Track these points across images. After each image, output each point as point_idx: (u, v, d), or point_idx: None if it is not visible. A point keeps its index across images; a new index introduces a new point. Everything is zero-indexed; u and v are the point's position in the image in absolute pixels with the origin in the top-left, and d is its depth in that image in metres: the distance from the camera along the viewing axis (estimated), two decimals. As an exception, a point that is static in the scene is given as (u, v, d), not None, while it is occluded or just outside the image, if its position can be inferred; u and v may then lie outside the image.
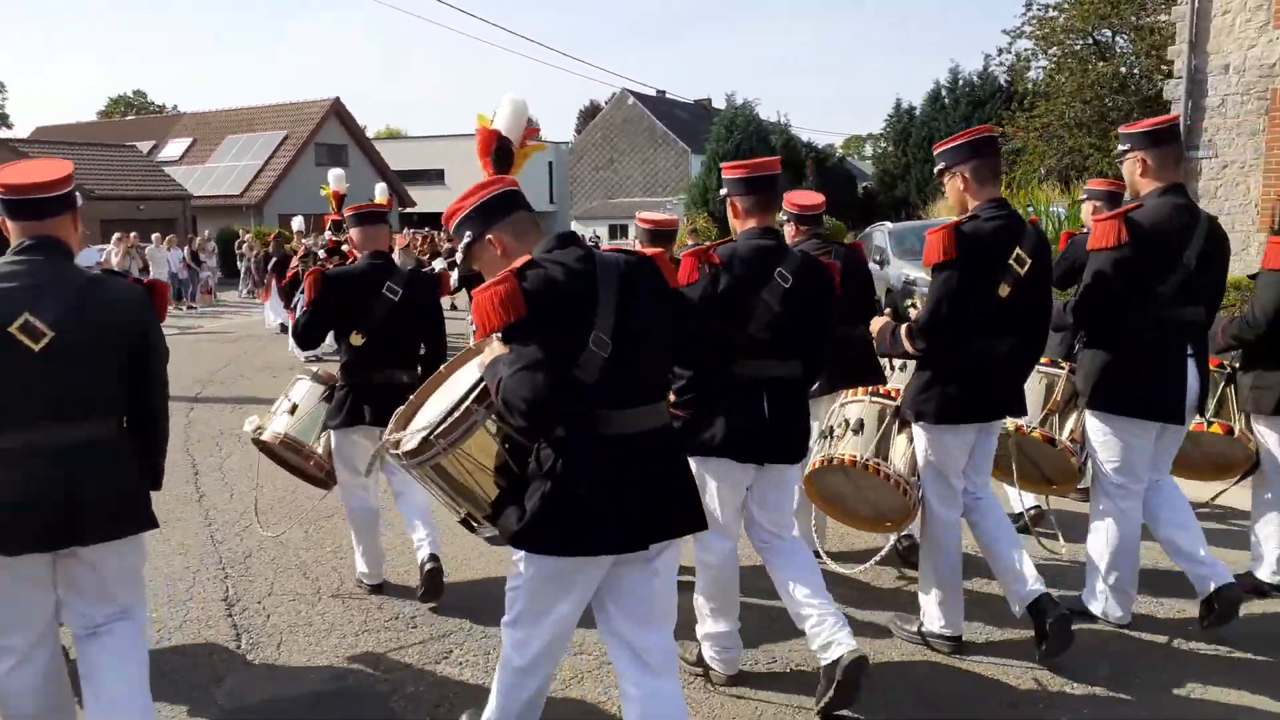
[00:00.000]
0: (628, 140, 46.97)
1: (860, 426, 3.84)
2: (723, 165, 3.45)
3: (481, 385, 2.52)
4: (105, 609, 2.64)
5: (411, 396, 3.01)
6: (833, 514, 4.17)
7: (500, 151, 5.01)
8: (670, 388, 2.64)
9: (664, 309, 2.55)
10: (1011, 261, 3.43)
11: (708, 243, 3.31)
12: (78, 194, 2.71)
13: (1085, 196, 5.64)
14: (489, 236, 2.53)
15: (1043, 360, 4.22)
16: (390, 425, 2.85)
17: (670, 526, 2.49)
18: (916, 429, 3.70)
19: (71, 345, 2.47)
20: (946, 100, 34.42)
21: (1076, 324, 3.90)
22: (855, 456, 3.74)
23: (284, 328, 14.36)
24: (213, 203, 31.53)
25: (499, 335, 2.39)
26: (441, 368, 3.06)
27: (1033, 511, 4.82)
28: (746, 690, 3.43)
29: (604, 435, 2.38)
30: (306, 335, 4.20)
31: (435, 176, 41.70)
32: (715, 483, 3.27)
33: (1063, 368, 4.21)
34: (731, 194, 3.34)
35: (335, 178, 9.78)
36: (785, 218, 4.62)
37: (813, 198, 4.70)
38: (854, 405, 3.94)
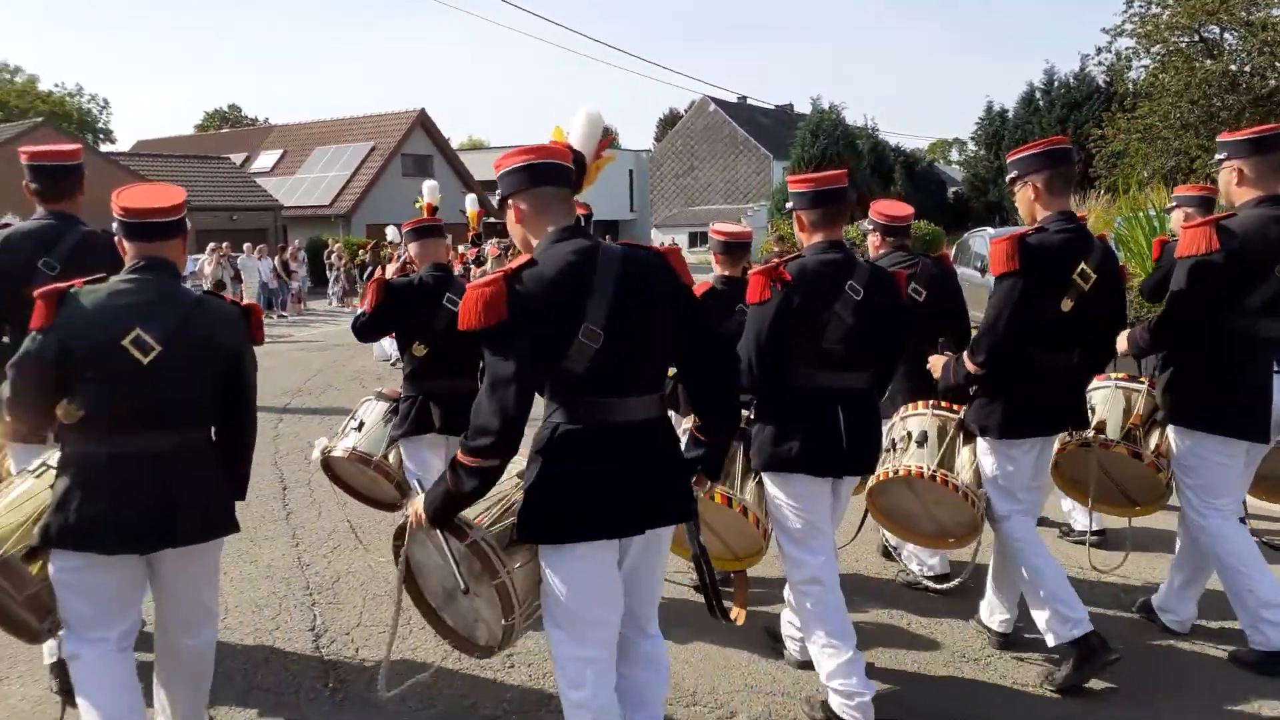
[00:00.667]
0: (708, 147, 47.01)
1: (924, 439, 3.79)
2: (788, 179, 3.46)
3: None
4: (189, 608, 2.90)
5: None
6: (895, 531, 4.10)
7: (575, 164, 5.13)
8: (664, 380, 2.63)
9: (669, 304, 2.58)
10: (1075, 276, 3.42)
11: (774, 259, 3.34)
12: (188, 220, 2.95)
13: (1175, 203, 5.44)
14: (510, 202, 2.60)
15: (1120, 375, 4.09)
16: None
17: (663, 514, 2.58)
18: (981, 443, 3.68)
19: (175, 360, 2.70)
20: (1041, 102, 33.55)
21: (1156, 340, 3.75)
22: (921, 468, 3.68)
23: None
24: (302, 213, 32.66)
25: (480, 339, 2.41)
26: None
27: (1095, 538, 4.71)
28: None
29: (595, 423, 2.45)
30: (364, 332, 4.40)
31: (516, 186, 42.45)
32: (793, 499, 3.30)
33: (1142, 383, 4.06)
34: (798, 208, 3.35)
35: (429, 189, 10.21)
36: (871, 227, 4.58)
37: (900, 208, 4.61)
38: (915, 418, 3.89)
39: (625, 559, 2.58)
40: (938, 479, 3.64)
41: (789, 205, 3.44)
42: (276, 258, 22.07)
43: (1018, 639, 3.89)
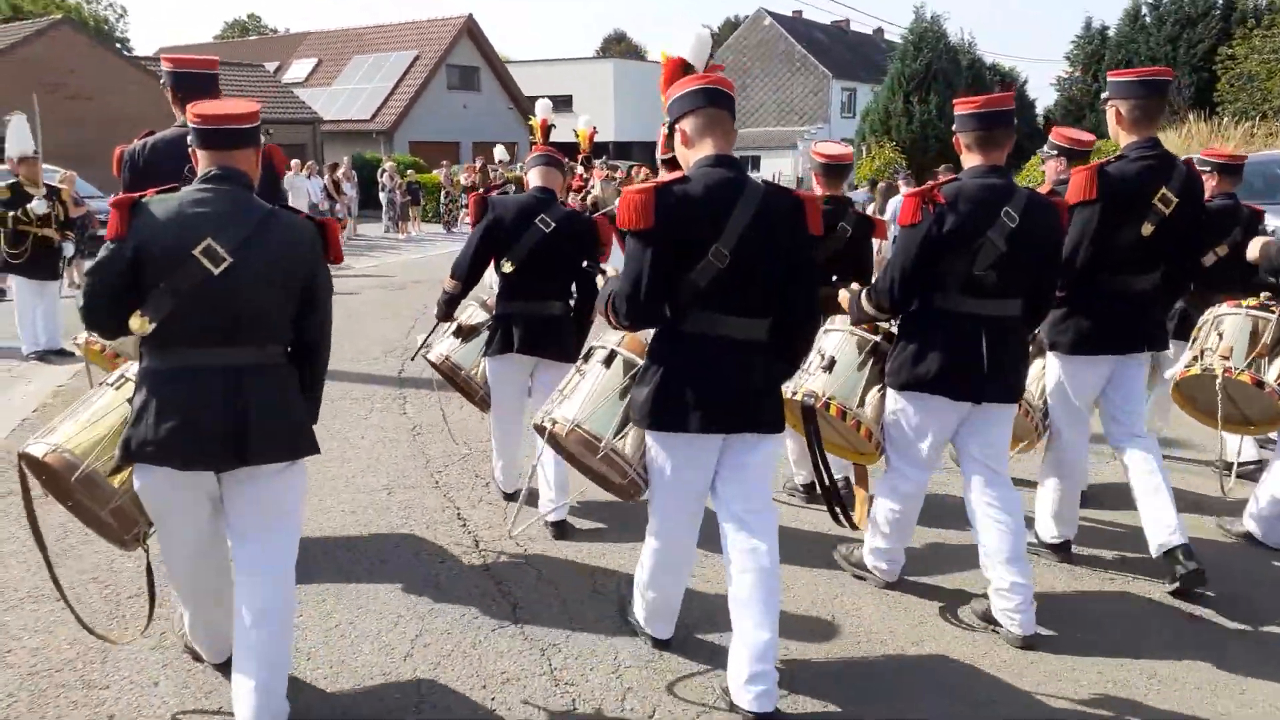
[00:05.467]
0: (761, 64, 46.18)
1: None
2: (955, 101, 3.71)
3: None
4: (261, 536, 2.93)
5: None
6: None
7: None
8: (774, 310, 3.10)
9: (790, 246, 3.04)
10: (1156, 201, 3.79)
11: (930, 182, 3.58)
12: (261, 133, 3.06)
13: None
14: (678, 125, 3.11)
15: (1250, 302, 4.47)
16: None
17: (753, 423, 3.09)
18: (1050, 357, 4.15)
19: (247, 272, 2.77)
20: (1148, 18, 32.67)
21: None
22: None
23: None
24: (341, 128, 32.46)
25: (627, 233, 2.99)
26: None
27: (1253, 465, 5.23)
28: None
29: (706, 336, 3.01)
30: (469, 269, 4.58)
31: (563, 103, 42.40)
32: (920, 417, 3.64)
33: (1272, 311, 4.39)
34: (960, 130, 3.58)
35: (543, 107, 10.69)
36: (1054, 152, 4.95)
37: (1085, 135, 5.01)
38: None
39: (724, 457, 3.14)
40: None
41: (954, 127, 3.67)
42: (327, 175, 21.34)
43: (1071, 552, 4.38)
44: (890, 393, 3.74)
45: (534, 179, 4.73)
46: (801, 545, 4.45)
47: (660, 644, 3.51)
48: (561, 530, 4.59)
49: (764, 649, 3.01)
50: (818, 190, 4.87)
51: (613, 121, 38.57)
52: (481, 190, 4.86)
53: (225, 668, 3.22)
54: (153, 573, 3.21)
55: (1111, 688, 3.37)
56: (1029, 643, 3.57)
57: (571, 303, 4.71)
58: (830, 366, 3.87)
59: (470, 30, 35.31)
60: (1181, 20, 31.03)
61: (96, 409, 3.12)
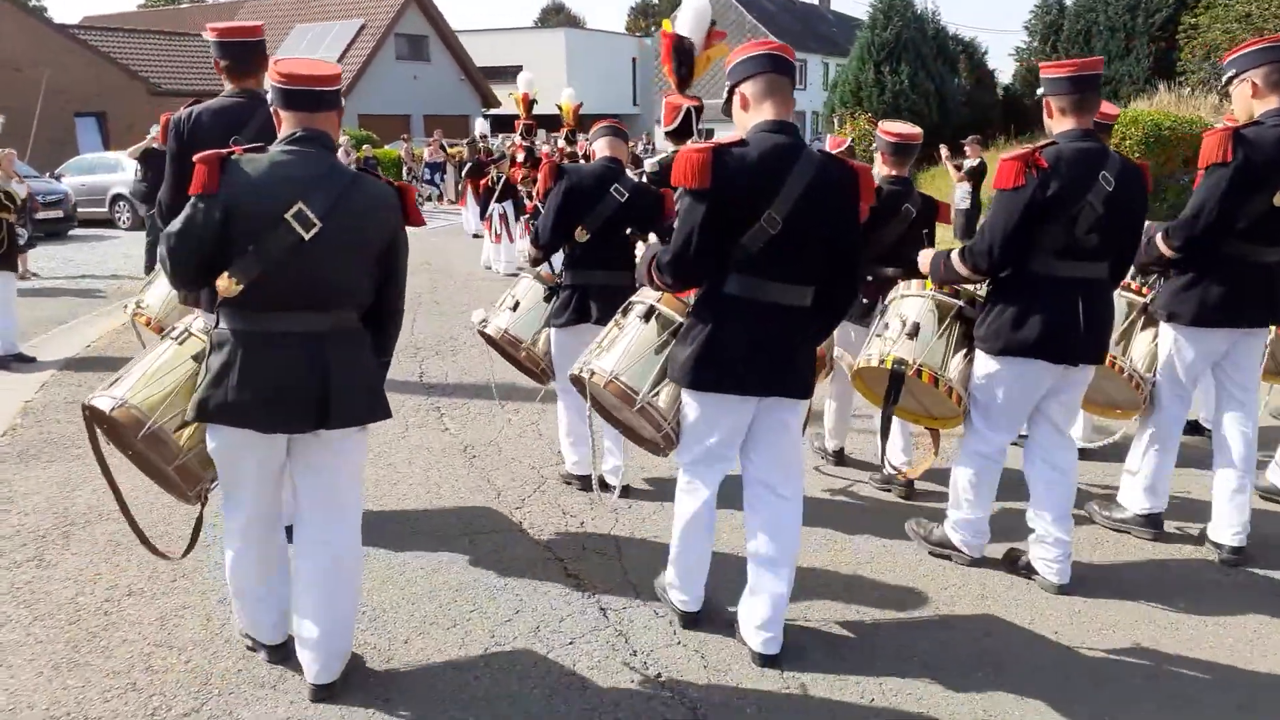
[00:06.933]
0: (713, 35, 46.25)
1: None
2: (1042, 65, 3.75)
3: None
4: (327, 502, 3.02)
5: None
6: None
7: (681, 53, 5.54)
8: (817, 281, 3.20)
9: (840, 216, 3.13)
10: None
11: (1032, 146, 3.61)
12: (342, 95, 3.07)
13: None
14: (738, 89, 3.16)
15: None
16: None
17: (790, 387, 3.21)
18: (1164, 328, 4.14)
19: (334, 237, 2.81)
20: (1107, -13, 33.07)
21: None
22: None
23: (477, 235, 15.27)
24: None
25: (681, 191, 3.09)
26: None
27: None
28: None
29: (752, 300, 3.10)
30: (554, 236, 4.64)
31: (512, 74, 41.86)
32: (1016, 381, 3.70)
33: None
34: (1052, 94, 3.62)
35: (525, 81, 10.51)
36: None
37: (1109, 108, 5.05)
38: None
39: (756, 419, 3.26)
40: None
41: (1040, 92, 3.72)
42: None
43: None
44: (983, 357, 3.78)
45: (601, 149, 4.84)
46: (844, 511, 4.64)
47: (687, 618, 3.55)
48: (626, 491, 4.74)
49: (778, 601, 3.27)
50: (884, 170, 4.88)
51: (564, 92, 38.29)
52: (548, 158, 5.00)
53: (279, 650, 3.27)
54: (204, 511, 3.27)
55: (1148, 639, 3.54)
56: (1064, 590, 3.79)
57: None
58: (915, 333, 3.92)
59: (418, -3, 34.79)
60: (1140, -12, 31.45)
61: (160, 365, 3.14)
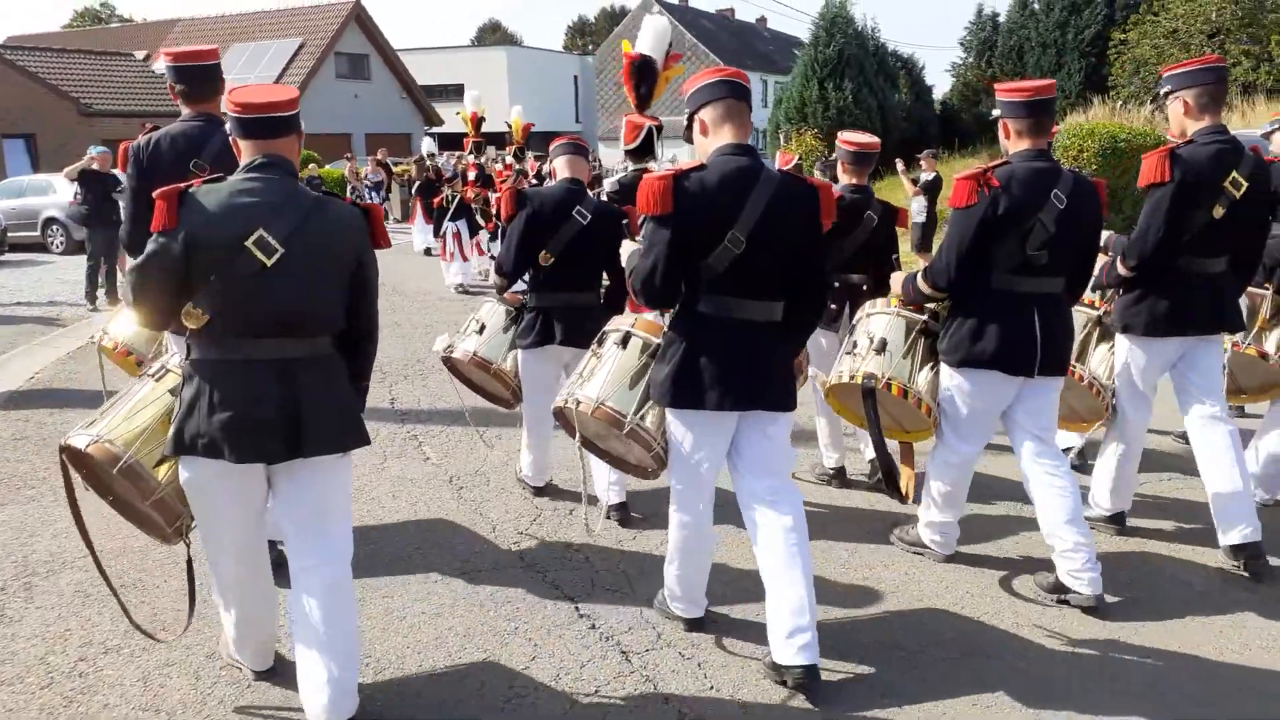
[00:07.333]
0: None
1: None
2: (997, 87, 3.87)
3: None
4: (316, 531, 2.94)
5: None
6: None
7: (643, 71, 5.48)
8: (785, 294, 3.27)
9: (804, 233, 3.21)
10: (1227, 185, 3.97)
11: (984, 166, 3.75)
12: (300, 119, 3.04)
13: (1275, 126, 6.02)
14: (697, 115, 3.27)
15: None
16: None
17: (768, 400, 3.27)
18: (1120, 339, 4.31)
19: (298, 263, 2.77)
20: (1036, 5, 33.99)
21: None
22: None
23: (428, 251, 15.34)
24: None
25: (645, 218, 3.17)
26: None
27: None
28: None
29: (722, 317, 3.19)
30: (517, 263, 4.61)
31: (455, 92, 41.75)
32: (976, 392, 3.82)
33: (1266, 289, 4.69)
34: (1006, 116, 3.76)
35: (472, 100, 10.48)
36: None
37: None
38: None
39: (739, 434, 3.33)
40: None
41: (995, 113, 3.84)
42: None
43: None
44: (946, 369, 3.91)
45: (561, 168, 4.79)
46: (852, 524, 4.66)
47: (692, 624, 3.63)
48: (624, 513, 4.68)
49: (801, 605, 3.17)
50: (845, 179, 5.00)
51: (507, 110, 38.19)
52: (509, 186, 4.91)
53: (268, 675, 3.26)
54: (193, 570, 3.21)
55: (1178, 649, 3.57)
56: (1098, 603, 3.76)
57: (603, 292, 4.78)
58: (882, 348, 4.03)
59: (359, 16, 34.71)
60: (1068, 6, 32.39)
61: (137, 400, 3.11)
